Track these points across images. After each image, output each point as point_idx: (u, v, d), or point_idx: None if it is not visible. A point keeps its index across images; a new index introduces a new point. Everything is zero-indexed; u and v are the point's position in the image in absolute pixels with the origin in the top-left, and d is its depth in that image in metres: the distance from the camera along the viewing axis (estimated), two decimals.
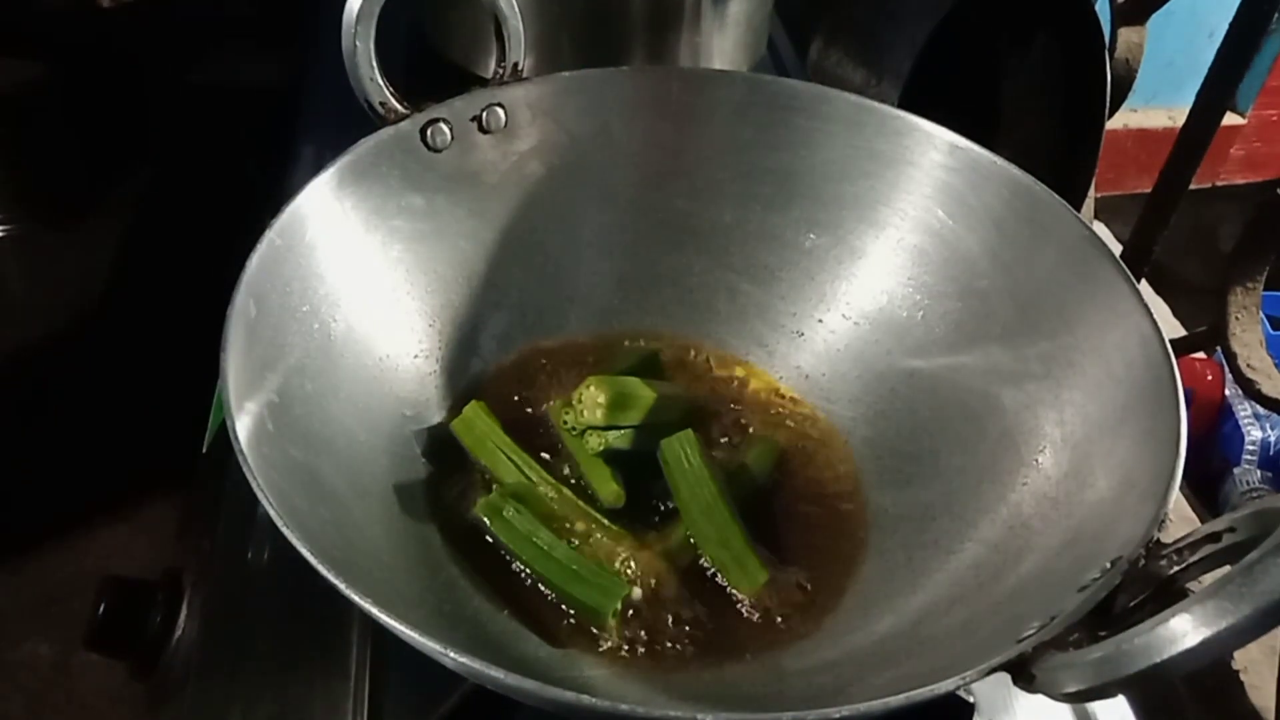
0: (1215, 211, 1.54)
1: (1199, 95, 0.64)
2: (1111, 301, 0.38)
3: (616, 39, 0.57)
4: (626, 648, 0.37)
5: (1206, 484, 1.09)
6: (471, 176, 0.46)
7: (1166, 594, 0.28)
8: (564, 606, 0.38)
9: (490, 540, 0.40)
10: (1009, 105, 0.66)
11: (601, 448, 0.43)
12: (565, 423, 0.44)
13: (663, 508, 0.43)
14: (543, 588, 0.39)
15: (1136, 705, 0.42)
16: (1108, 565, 0.29)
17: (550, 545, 0.39)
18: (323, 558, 0.27)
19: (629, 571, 0.40)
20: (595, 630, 0.38)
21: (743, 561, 0.40)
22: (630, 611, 0.38)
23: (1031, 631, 0.28)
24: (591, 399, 0.43)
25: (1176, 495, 0.30)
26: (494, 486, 0.42)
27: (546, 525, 0.40)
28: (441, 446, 0.44)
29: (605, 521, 0.41)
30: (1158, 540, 0.29)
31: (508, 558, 0.40)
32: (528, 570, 0.39)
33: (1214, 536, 0.27)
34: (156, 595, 0.46)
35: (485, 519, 0.40)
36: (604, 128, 0.47)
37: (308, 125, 0.70)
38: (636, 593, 0.39)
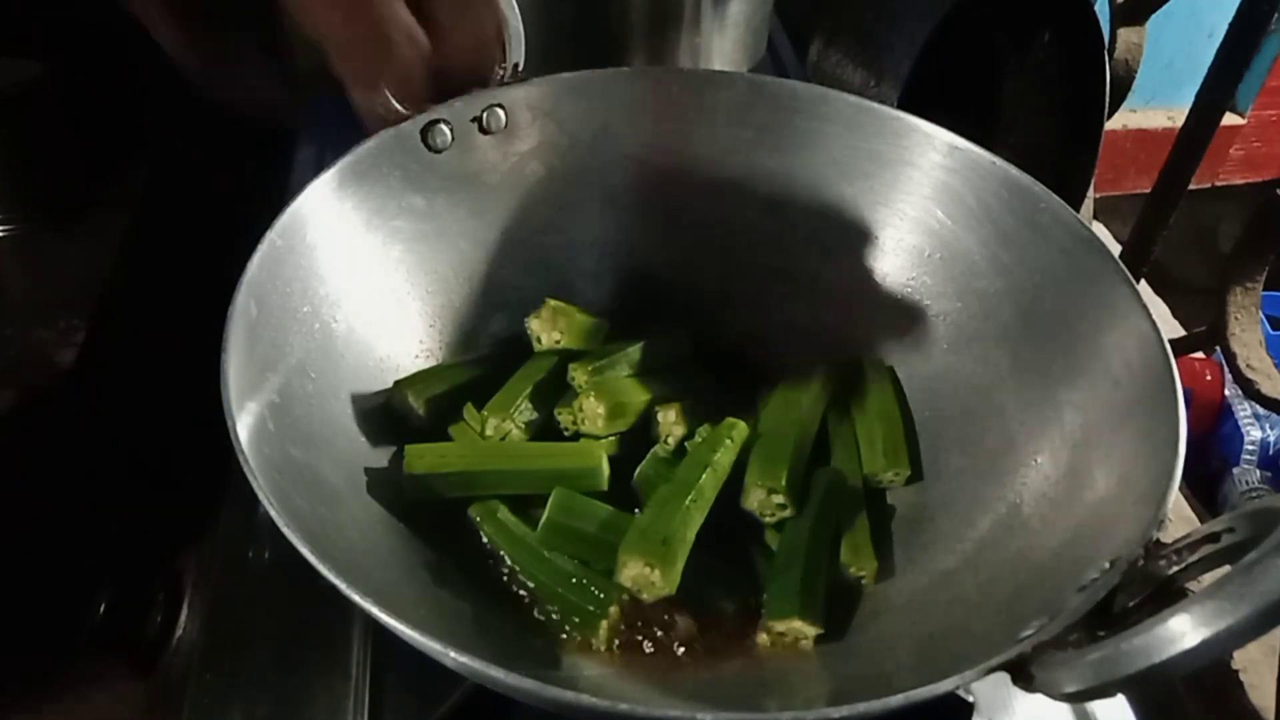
0: (1215, 211, 1.54)
1: (1199, 95, 0.65)
2: (1111, 301, 0.38)
3: (616, 40, 0.57)
4: (624, 648, 0.37)
5: (1206, 484, 1.09)
6: (472, 177, 0.46)
7: (1166, 594, 0.28)
8: (560, 608, 0.38)
9: (488, 541, 0.40)
10: (1009, 105, 0.66)
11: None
12: (565, 429, 0.44)
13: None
14: (539, 590, 0.39)
15: (1136, 705, 0.42)
16: (1107, 565, 0.29)
17: (543, 548, 0.39)
18: (323, 558, 0.27)
19: None
20: (590, 633, 0.38)
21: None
22: (626, 613, 0.38)
23: (1031, 631, 0.28)
24: (591, 409, 0.43)
25: (1176, 495, 0.30)
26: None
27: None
28: None
29: None
30: (1157, 540, 0.29)
31: (504, 559, 0.40)
32: (523, 572, 0.39)
33: (1213, 536, 0.27)
34: (157, 595, 0.46)
35: (478, 521, 0.40)
36: (604, 128, 0.47)
37: (308, 125, 0.70)
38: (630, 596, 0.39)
